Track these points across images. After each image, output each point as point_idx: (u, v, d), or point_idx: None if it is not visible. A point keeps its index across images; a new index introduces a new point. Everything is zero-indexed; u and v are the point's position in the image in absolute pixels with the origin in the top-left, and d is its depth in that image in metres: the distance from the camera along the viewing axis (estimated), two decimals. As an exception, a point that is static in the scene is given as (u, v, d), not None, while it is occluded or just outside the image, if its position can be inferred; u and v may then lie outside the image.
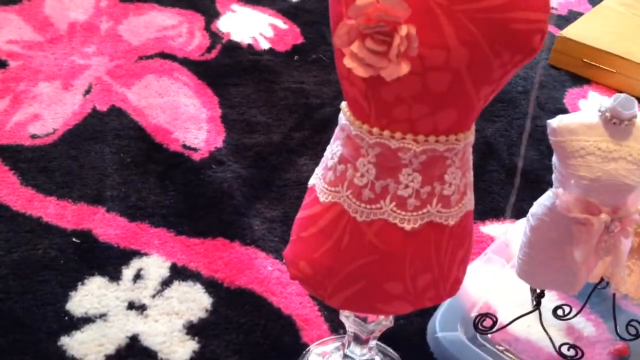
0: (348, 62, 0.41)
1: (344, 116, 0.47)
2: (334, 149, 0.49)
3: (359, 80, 0.43)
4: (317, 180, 0.51)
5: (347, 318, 0.59)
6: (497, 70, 0.42)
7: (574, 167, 0.53)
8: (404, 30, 0.38)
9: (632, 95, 0.54)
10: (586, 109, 0.54)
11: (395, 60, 0.39)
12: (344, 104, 0.48)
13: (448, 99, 0.42)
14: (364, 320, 0.58)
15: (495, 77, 0.42)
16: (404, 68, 0.40)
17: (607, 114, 0.52)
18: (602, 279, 0.64)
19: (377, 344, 0.67)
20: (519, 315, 0.67)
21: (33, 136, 0.95)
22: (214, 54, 1.17)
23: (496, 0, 0.39)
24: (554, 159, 0.57)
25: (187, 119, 1.01)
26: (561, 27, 1.28)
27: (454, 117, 0.44)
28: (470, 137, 0.46)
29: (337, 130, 0.49)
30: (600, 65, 1.18)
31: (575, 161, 0.53)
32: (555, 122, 0.54)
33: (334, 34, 0.41)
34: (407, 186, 0.46)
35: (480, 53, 0.40)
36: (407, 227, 0.46)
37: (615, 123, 0.52)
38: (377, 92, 0.43)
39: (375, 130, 0.45)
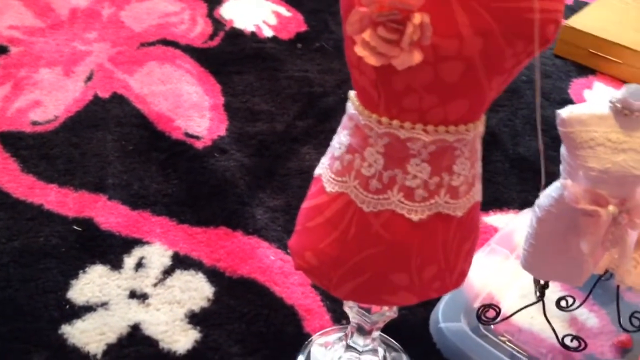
0: (359, 51, 0.40)
1: (353, 105, 0.47)
2: (342, 138, 0.48)
3: (370, 69, 0.43)
4: (324, 170, 0.50)
5: (350, 309, 0.59)
6: (510, 59, 0.41)
7: (582, 158, 0.53)
8: (417, 18, 0.38)
9: (638, 86, 0.53)
10: (596, 100, 0.54)
11: (408, 49, 0.39)
12: (352, 93, 0.47)
13: (460, 89, 0.42)
14: (368, 311, 0.58)
15: (507, 67, 0.42)
16: (417, 57, 0.39)
17: (618, 105, 0.51)
18: (606, 271, 0.64)
19: (380, 335, 0.66)
20: (522, 306, 0.67)
21: (34, 123, 0.94)
22: (216, 41, 1.16)
23: (510, -11, 0.38)
24: (562, 149, 0.56)
25: (190, 106, 1.00)
26: (567, 17, 1.27)
27: (465, 107, 0.43)
28: (480, 127, 0.46)
29: (344, 119, 0.48)
30: (606, 56, 1.17)
31: (584, 152, 0.52)
32: (565, 113, 0.53)
33: (346, 22, 0.40)
34: (415, 177, 0.45)
35: (494, 42, 0.40)
36: (415, 218, 0.46)
37: (626, 114, 0.51)
38: (387, 81, 0.42)
39: (384, 120, 0.44)
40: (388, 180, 0.46)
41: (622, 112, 0.51)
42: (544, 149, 0.99)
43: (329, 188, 0.49)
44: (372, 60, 0.39)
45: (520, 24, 0.39)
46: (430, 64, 0.40)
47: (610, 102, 0.52)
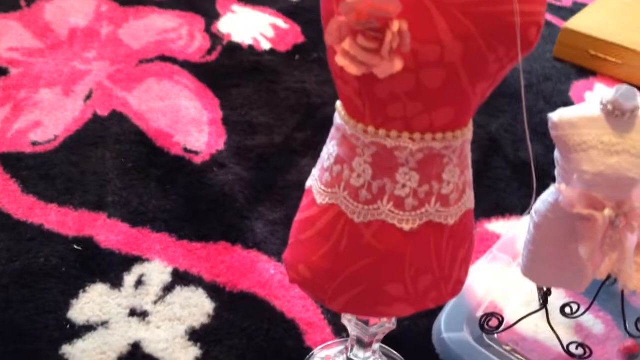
0: (340, 60, 0.40)
1: (339, 115, 0.47)
2: (330, 149, 0.48)
3: (352, 78, 0.42)
4: (314, 181, 0.50)
5: (349, 321, 0.58)
6: (493, 64, 0.41)
7: (576, 162, 0.52)
8: (395, 26, 0.37)
9: (639, 87, 0.52)
10: (588, 102, 0.53)
11: (388, 57, 0.38)
12: (338, 103, 0.47)
13: (443, 96, 0.41)
14: (366, 323, 0.57)
15: (491, 72, 0.41)
16: (397, 65, 0.39)
17: (609, 107, 0.50)
18: (610, 276, 0.63)
19: (380, 347, 0.66)
20: (526, 314, 0.66)
21: (34, 143, 0.94)
22: (214, 55, 1.16)
23: (489, -7, 0.38)
24: (556, 153, 0.55)
25: (188, 122, 1.00)
26: (565, 19, 1.26)
27: (450, 114, 0.42)
28: (468, 134, 0.45)
29: (332, 130, 0.48)
30: (606, 57, 1.16)
31: (577, 155, 0.51)
32: (556, 116, 0.53)
33: (325, 32, 0.40)
34: (404, 186, 0.44)
35: (475, 47, 0.39)
36: (406, 227, 0.45)
37: (617, 115, 0.50)
38: (370, 90, 0.42)
39: (370, 129, 0.44)
40: (377, 190, 0.45)
41: (614, 114, 0.50)
42: (545, 153, 0.98)
43: (319, 200, 0.48)
44: (352, 69, 0.39)
45: (501, 28, 0.39)
46: (412, 71, 0.40)
47: (601, 103, 0.51)
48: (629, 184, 0.51)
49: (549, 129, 0.53)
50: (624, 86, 0.50)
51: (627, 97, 0.49)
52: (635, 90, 0.51)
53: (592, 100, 0.50)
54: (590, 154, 0.51)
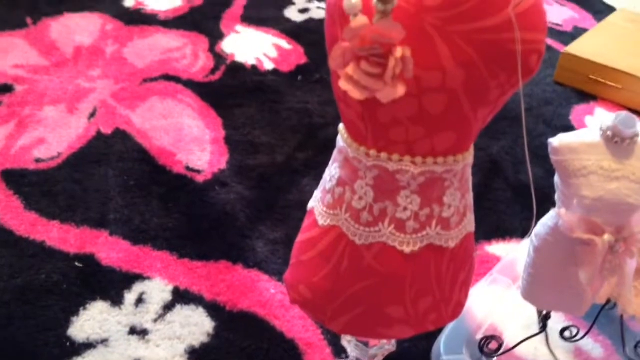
0: (343, 85, 0.40)
1: (342, 138, 0.47)
2: (333, 171, 0.48)
3: (355, 102, 0.43)
4: (316, 203, 0.50)
5: (348, 342, 0.58)
6: (494, 91, 0.41)
7: (576, 187, 0.52)
8: (399, 52, 0.38)
9: (638, 112, 0.53)
10: (588, 128, 0.54)
11: (391, 82, 0.39)
12: (341, 126, 0.47)
13: (445, 121, 0.42)
14: (366, 344, 0.57)
15: (492, 98, 0.42)
16: (400, 90, 0.39)
17: (609, 133, 0.51)
18: (609, 300, 0.63)
19: (380, 368, 0.65)
20: (525, 337, 0.66)
21: (37, 160, 0.95)
22: (218, 75, 1.17)
23: (491, 21, 0.38)
24: (556, 178, 0.56)
25: (191, 140, 1.01)
26: (566, 44, 1.27)
27: (452, 138, 0.43)
28: (469, 158, 0.46)
29: (335, 152, 0.49)
30: (606, 82, 1.17)
31: (577, 180, 0.52)
32: (556, 141, 0.53)
33: (330, 57, 0.41)
34: (405, 208, 0.45)
35: (476, 74, 0.40)
36: (407, 249, 0.46)
37: (617, 142, 0.51)
38: (373, 114, 0.43)
39: (372, 152, 0.44)
40: (379, 213, 0.46)
41: (613, 140, 0.51)
42: (546, 176, 0.98)
43: (321, 221, 0.49)
44: (356, 94, 0.40)
45: (502, 55, 0.39)
46: (415, 96, 0.40)
47: (601, 129, 0.52)
48: (629, 209, 0.52)
49: (549, 154, 0.54)
50: (623, 113, 0.51)
51: (627, 124, 0.50)
52: (635, 117, 0.51)
53: (592, 125, 0.50)
54: (590, 180, 0.51)
